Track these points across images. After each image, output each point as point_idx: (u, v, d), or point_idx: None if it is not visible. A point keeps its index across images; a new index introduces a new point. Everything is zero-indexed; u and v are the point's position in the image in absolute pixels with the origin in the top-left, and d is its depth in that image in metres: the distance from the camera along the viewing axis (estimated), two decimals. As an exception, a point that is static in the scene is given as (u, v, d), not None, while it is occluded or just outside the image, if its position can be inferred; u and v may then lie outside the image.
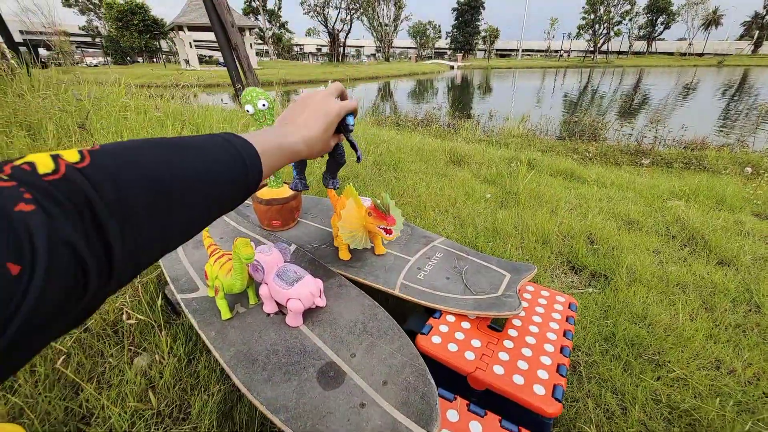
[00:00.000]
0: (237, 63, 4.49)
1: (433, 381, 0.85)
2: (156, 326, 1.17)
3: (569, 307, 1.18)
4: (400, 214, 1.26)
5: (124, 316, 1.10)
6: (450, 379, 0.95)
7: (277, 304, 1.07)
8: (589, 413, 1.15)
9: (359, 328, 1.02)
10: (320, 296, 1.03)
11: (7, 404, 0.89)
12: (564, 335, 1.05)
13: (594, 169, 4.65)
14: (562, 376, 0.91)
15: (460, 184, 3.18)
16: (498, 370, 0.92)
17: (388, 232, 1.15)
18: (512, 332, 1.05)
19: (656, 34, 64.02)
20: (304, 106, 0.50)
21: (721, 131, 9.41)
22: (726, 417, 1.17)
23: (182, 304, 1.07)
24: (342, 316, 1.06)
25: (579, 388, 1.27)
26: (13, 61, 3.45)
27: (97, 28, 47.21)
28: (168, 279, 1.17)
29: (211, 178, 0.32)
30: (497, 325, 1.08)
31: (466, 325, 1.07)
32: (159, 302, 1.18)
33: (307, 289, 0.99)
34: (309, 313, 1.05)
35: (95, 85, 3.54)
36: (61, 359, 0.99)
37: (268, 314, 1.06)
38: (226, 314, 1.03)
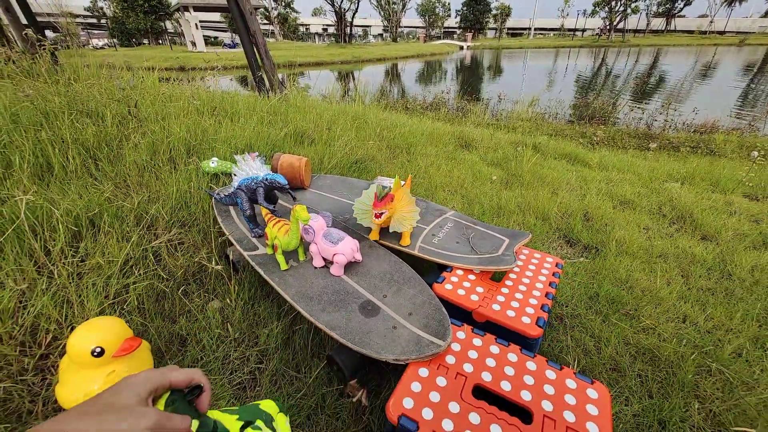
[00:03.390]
0: (255, 50, 4.69)
1: (446, 312, 1.14)
2: (226, 277, 1.47)
3: (556, 266, 1.45)
4: (413, 210, 1.45)
5: (213, 263, 1.41)
6: (458, 314, 1.24)
7: (324, 259, 1.36)
8: (570, 350, 1.44)
9: (388, 278, 1.30)
10: (358, 252, 1.32)
11: (133, 325, 1.21)
12: (550, 285, 1.32)
13: (599, 152, 4.82)
14: (544, 311, 1.19)
15: (469, 167, 3.41)
16: (496, 307, 1.20)
17: (377, 216, 1.37)
18: (508, 282, 1.33)
19: (676, 11, 61.34)
20: None
21: (739, 115, 9.33)
22: (682, 354, 1.45)
23: (249, 259, 1.37)
24: (374, 268, 1.35)
25: (563, 334, 1.56)
26: (47, 47, 3.69)
27: (102, 8, 46.88)
28: (233, 240, 1.46)
29: None
30: (497, 279, 1.36)
31: (472, 277, 1.35)
32: (230, 257, 1.48)
33: (349, 246, 1.27)
34: (348, 266, 1.34)
35: (125, 70, 3.80)
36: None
37: (316, 267, 1.36)
38: (284, 266, 1.33)
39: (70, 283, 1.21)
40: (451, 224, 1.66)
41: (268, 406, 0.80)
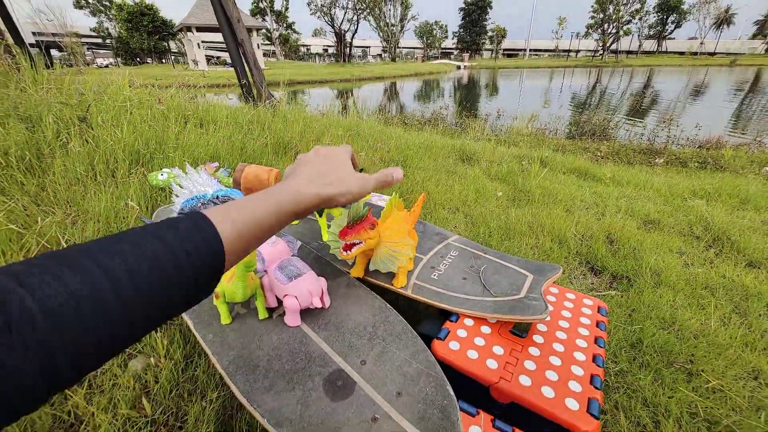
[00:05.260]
0: (243, 59, 4.44)
1: (452, 393, 0.76)
2: (152, 327, 1.09)
3: (599, 312, 1.08)
4: (406, 244, 1.02)
5: None
6: (470, 390, 0.86)
7: (277, 299, 0.99)
8: (620, 427, 1.05)
9: (369, 332, 0.93)
10: (322, 297, 0.94)
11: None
12: (595, 342, 0.95)
13: (607, 167, 4.52)
14: (596, 388, 0.81)
15: (471, 182, 3.08)
16: (524, 380, 0.82)
17: (346, 248, 0.94)
18: (537, 338, 0.96)
19: (667, 34, 63.05)
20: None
21: (734, 132, 9.19)
22: (772, 434, 1.06)
23: (179, 304, 1.00)
24: (350, 318, 0.97)
25: (607, 399, 1.17)
26: (19, 58, 3.41)
27: (107, 29, 47.82)
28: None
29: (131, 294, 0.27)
30: (520, 331, 0.98)
31: (486, 329, 0.98)
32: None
33: (306, 287, 0.90)
34: (314, 316, 0.97)
35: (90, 75, 3.51)
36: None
37: (270, 314, 0.98)
38: (225, 319, 0.95)
39: None
40: (455, 253, 1.29)
41: None
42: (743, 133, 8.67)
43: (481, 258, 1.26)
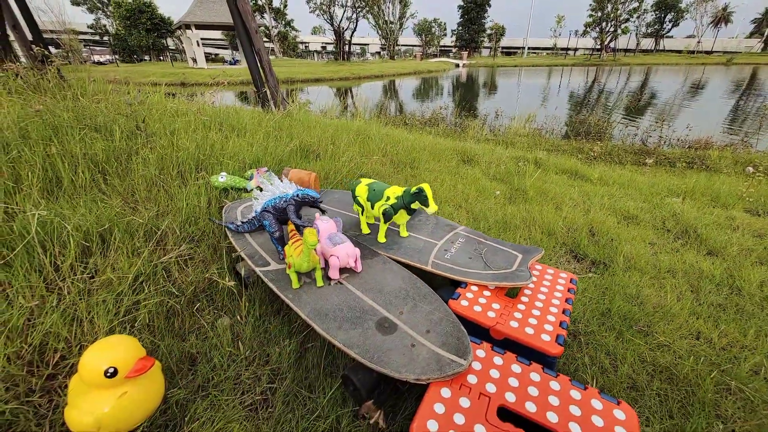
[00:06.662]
0: (259, 67, 4.77)
1: (464, 330, 1.12)
2: (236, 293, 1.45)
3: (571, 282, 1.44)
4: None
5: (227, 280, 1.39)
6: (476, 331, 1.22)
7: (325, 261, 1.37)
8: (585, 368, 1.41)
9: (404, 294, 1.29)
10: (355, 261, 1.32)
11: (143, 343, 1.17)
12: (566, 302, 1.31)
13: (598, 167, 4.88)
14: (563, 329, 1.17)
15: (472, 182, 3.43)
16: (514, 324, 1.19)
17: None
18: (524, 299, 1.32)
19: (664, 32, 63.41)
20: None
21: (729, 129, 9.54)
22: (698, 372, 1.42)
23: (261, 275, 1.35)
24: (389, 284, 1.33)
25: (578, 351, 1.53)
26: (56, 62, 3.71)
27: (105, 26, 47.70)
28: (244, 256, 1.45)
29: None
30: (512, 294, 1.34)
31: (487, 293, 1.34)
32: (242, 273, 1.46)
33: (345, 252, 1.29)
34: (362, 282, 1.32)
35: (130, 86, 3.83)
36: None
37: (326, 282, 1.34)
38: (295, 284, 1.31)
39: (79, 300, 1.18)
40: (462, 239, 1.65)
41: None
42: (732, 134, 9.02)
43: (482, 243, 1.62)
